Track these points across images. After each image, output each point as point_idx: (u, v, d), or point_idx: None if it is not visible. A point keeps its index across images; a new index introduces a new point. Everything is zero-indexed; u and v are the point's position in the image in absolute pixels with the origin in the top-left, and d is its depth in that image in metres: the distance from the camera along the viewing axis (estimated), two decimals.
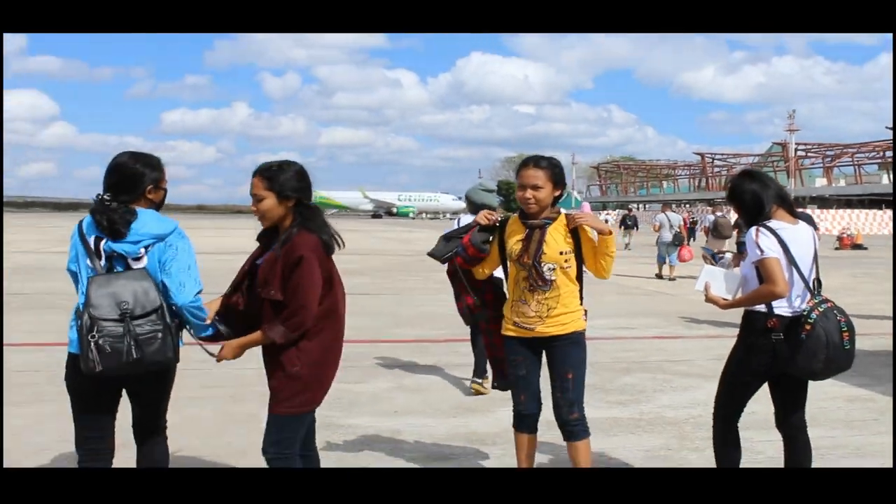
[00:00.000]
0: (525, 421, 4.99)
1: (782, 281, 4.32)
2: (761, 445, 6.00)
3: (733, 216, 24.44)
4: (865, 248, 40.21)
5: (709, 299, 4.64)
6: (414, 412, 7.16)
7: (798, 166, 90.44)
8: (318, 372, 4.15)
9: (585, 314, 4.90)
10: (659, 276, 21.62)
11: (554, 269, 4.75)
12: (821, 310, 4.34)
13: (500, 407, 7.13)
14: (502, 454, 5.96)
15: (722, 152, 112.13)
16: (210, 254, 26.83)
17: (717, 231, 21.58)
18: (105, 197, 4.04)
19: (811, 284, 4.50)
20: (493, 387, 5.65)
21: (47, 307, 13.25)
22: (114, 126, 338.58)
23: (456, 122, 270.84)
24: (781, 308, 4.44)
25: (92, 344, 3.77)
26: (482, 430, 6.66)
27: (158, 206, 4.25)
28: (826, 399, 7.40)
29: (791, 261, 4.42)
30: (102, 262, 3.97)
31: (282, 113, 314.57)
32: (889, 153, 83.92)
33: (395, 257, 29.05)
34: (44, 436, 6.21)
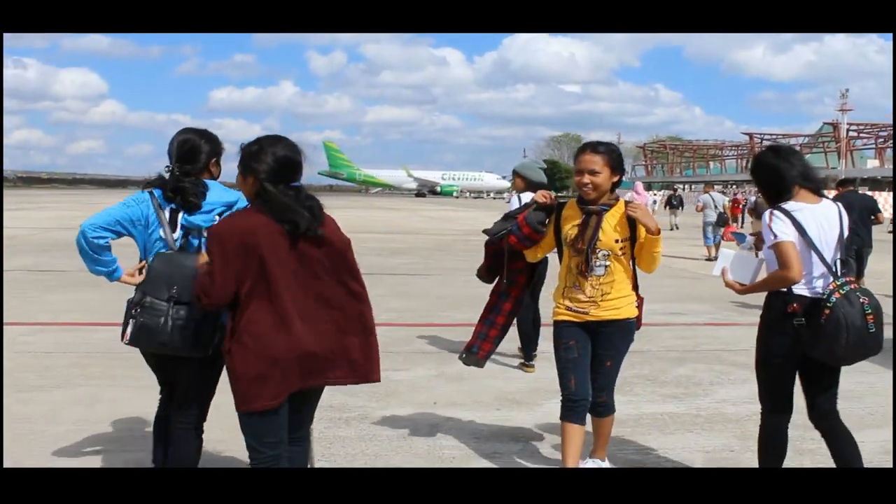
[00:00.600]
0: (575, 408, 4.77)
1: (797, 265, 4.15)
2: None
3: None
4: None
5: (727, 284, 4.49)
6: (455, 404, 6.75)
7: (850, 147, 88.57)
8: (249, 366, 3.61)
9: (642, 302, 4.89)
10: (708, 259, 21.09)
11: (608, 255, 4.67)
12: (842, 292, 4.15)
13: (547, 399, 6.70)
14: (551, 453, 5.52)
15: (771, 132, 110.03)
16: None
17: (756, 211, 21.00)
18: (175, 169, 4.13)
19: (834, 266, 4.29)
20: (460, 357, 5.57)
21: (82, 284, 13.01)
22: (162, 104, 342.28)
23: (501, 100, 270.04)
24: (801, 291, 4.27)
25: (131, 318, 3.95)
26: (528, 424, 6.24)
27: (215, 179, 4.33)
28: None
29: (809, 243, 4.23)
30: (178, 233, 4.09)
31: (327, 91, 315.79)
32: None
33: (440, 236, 28.58)
34: (59, 425, 5.92)
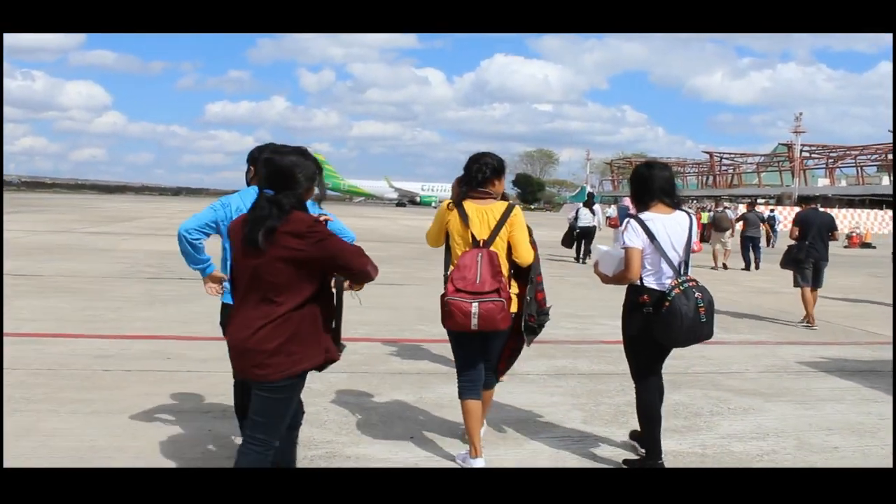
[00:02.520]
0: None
1: (636, 268, 4.83)
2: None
3: (732, 213, 24.78)
4: (874, 247, 38.38)
5: (596, 273, 5.13)
6: (433, 441, 5.63)
7: (803, 166, 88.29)
8: None
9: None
10: None
11: None
12: (681, 288, 4.76)
13: (536, 433, 5.64)
14: None
15: (729, 151, 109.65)
16: None
17: (716, 224, 23.11)
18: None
19: (680, 267, 4.88)
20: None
21: (54, 290, 11.83)
22: (161, 115, 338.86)
23: (478, 118, 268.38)
24: (652, 286, 4.89)
25: None
26: (516, 463, 5.15)
27: None
28: None
29: (658, 248, 4.83)
30: None
31: (316, 106, 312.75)
32: (890, 155, 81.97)
33: (419, 245, 27.48)
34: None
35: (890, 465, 5.28)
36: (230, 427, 5.59)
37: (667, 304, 4.73)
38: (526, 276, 5.08)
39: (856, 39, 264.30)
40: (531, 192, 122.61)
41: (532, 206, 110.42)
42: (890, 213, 63.38)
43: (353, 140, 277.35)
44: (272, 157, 3.63)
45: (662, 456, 5.11)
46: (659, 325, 4.81)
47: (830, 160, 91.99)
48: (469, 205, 4.97)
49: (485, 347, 5.07)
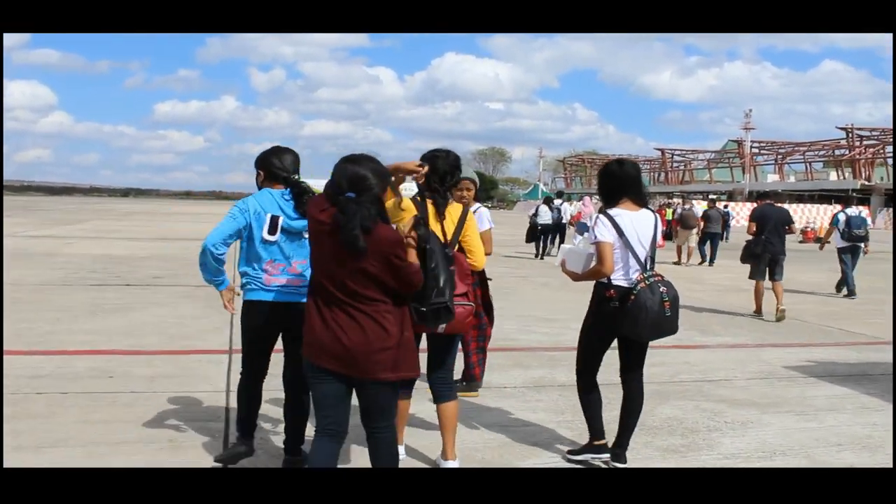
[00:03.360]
0: None
1: (608, 262, 4.82)
2: None
3: (699, 209, 24.92)
4: (828, 242, 38.50)
5: (564, 272, 5.16)
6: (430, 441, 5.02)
7: (753, 162, 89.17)
8: None
9: None
10: None
11: None
12: (647, 283, 4.80)
13: (527, 458, 5.07)
14: None
15: (680, 148, 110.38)
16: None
17: (683, 222, 23.04)
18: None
19: (644, 262, 4.89)
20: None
21: None
22: (109, 116, 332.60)
23: (430, 116, 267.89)
24: (619, 281, 4.88)
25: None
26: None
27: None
28: None
29: (626, 243, 4.85)
30: (277, 234, 4.68)
31: (267, 105, 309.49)
32: (838, 151, 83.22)
33: None
34: None
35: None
36: (182, 459, 4.93)
37: (632, 297, 4.77)
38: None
39: (800, 39, 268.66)
40: (484, 190, 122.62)
41: (488, 205, 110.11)
42: (837, 208, 64.29)
43: (304, 139, 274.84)
44: (347, 165, 3.85)
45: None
46: (625, 319, 4.81)
47: (779, 156, 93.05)
48: (430, 206, 4.71)
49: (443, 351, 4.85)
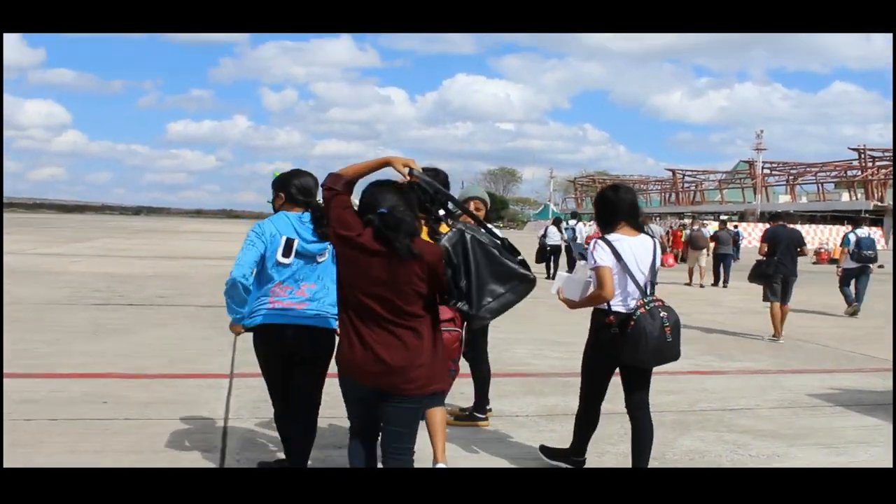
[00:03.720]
0: None
1: (609, 286, 4.72)
2: None
3: (708, 230, 24.85)
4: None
5: (562, 299, 5.07)
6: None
7: (764, 183, 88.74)
8: None
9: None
10: None
11: None
12: (647, 308, 4.72)
13: None
14: None
15: (691, 169, 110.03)
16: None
17: (693, 243, 22.80)
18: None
19: (644, 287, 4.82)
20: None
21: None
22: (122, 135, 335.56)
23: (441, 136, 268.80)
24: (618, 307, 4.82)
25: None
26: None
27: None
28: None
29: (625, 268, 4.78)
30: (292, 257, 4.57)
31: (279, 125, 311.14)
32: (850, 172, 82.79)
33: None
34: None
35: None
36: None
37: (632, 323, 4.71)
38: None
39: (810, 60, 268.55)
40: (495, 210, 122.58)
41: (499, 224, 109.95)
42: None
43: (315, 159, 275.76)
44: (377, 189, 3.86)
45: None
46: (626, 346, 4.75)
47: (791, 177, 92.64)
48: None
49: None
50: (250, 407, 6.63)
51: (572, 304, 5.00)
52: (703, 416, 6.90)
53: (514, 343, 9.93)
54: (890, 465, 5.47)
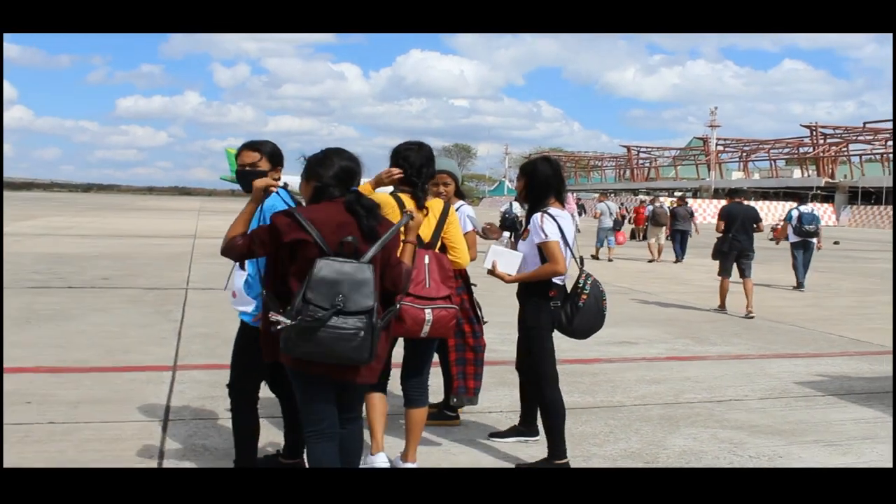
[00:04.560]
0: None
1: (562, 261, 4.77)
2: None
3: (667, 207, 24.79)
4: (785, 238, 38.04)
5: (496, 274, 4.87)
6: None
7: (718, 160, 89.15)
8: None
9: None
10: (595, 258, 21.49)
11: None
12: (589, 281, 4.84)
13: None
14: None
15: (646, 145, 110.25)
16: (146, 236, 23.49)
17: (654, 219, 23.20)
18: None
19: (578, 260, 4.95)
20: (451, 402, 5.57)
21: None
22: (70, 110, 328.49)
23: (395, 113, 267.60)
24: (557, 280, 4.84)
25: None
26: None
27: None
28: None
29: (565, 242, 4.82)
30: None
31: (231, 101, 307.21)
32: (802, 149, 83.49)
33: None
34: None
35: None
36: None
37: (584, 296, 4.78)
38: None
39: (761, 38, 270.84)
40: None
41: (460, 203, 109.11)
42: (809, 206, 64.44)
43: (268, 135, 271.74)
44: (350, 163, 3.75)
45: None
46: (574, 316, 4.78)
47: (744, 154, 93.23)
48: (407, 200, 4.41)
49: (420, 356, 4.68)
50: (194, 406, 5.92)
51: (510, 279, 4.86)
52: (691, 409, 6.34)
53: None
54: None
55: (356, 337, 3.41)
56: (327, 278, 3.40)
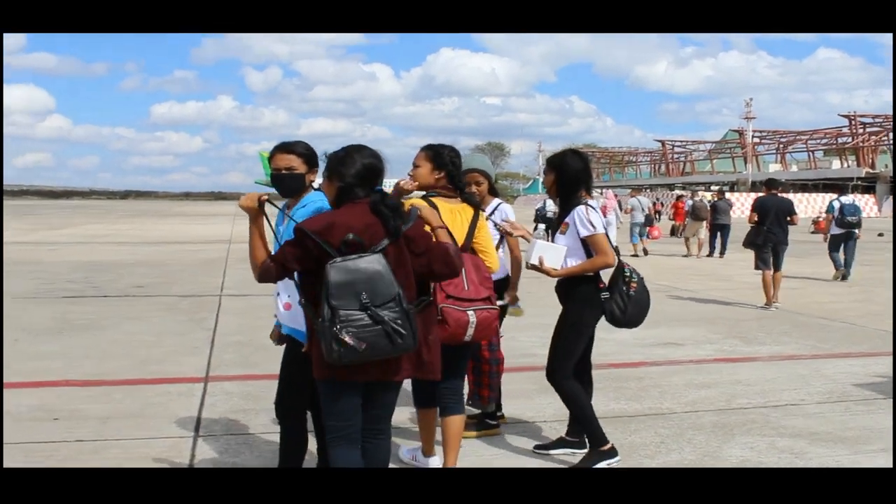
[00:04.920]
0: None
1: (612, 252, 4.71)
2: None
3: (706, 201, 24.34)
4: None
5: (542, 270, 4.72)
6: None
7: (754, 152, 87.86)
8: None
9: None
10: (635, 255, 20.75)
11: None
12: (632, 269, 4.81)
13: None
14: None
15: (680, 139, 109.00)
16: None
17: (694, 213, 22.62)
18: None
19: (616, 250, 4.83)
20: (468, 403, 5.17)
21: None
22: (106, 118, 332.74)
23: (427, 112, 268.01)
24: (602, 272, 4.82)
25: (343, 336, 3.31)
26: None
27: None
28: None
29: (605, 234, 4.73)
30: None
31: (264, 105, 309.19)
32: (840, 139, 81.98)
33: None
34: None
35: None
36: None
37: (634, 284, 4.75)
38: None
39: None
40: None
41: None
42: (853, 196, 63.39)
43: (302, 138, 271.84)
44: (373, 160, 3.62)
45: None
46: (632, 306, 4.75)
47: (781, 145, 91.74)
48: (441, 203, 4.41)
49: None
50: (226, 421, 5.71)
51: (556, 274, 4.74)
52: (745, 415, 6.00)
53: (517, 330, 8.94)
54: None
55: (394, 326, 3.32)
56: (341, 280, 3.30)
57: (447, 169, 4.51)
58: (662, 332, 9.33)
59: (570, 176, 4.82)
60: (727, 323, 10.36)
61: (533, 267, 4.74)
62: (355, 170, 3.54)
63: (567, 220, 4.77)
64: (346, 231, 3.40)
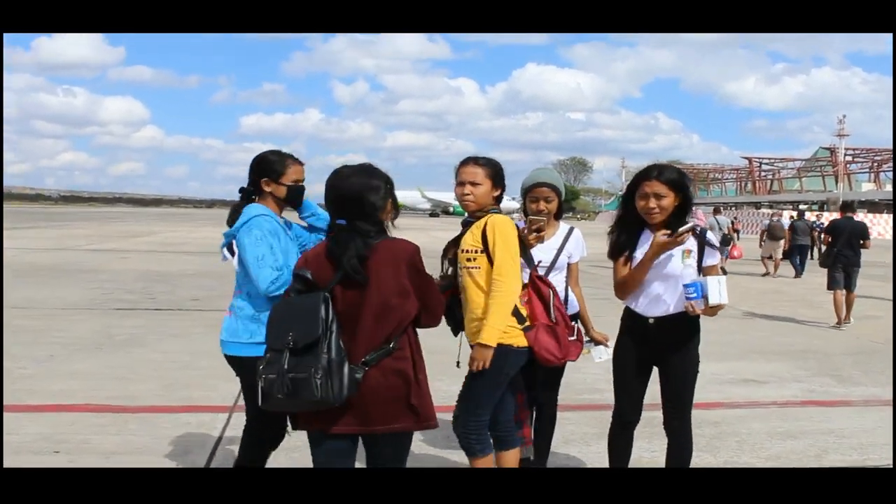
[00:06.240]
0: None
1: None
2: None
3: (785, 221, 23.15)
4: None
5: (714, 314, 4.06)
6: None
7: (846, 171, 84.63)
8: None
9: (536, 331, 4.04)
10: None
11: (461, 269, 4.05)
12: None
13: None
14: None
15: (768, 157, 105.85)
16: None
17: (771, 233, 22.16)
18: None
19: None
20: None
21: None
22: (197, 129, 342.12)
23: (511, 127, 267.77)
24: None
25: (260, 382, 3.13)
26: None
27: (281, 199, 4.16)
28: None
29: None
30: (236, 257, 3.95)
31: (350, 118, 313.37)
32: None
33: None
34: None
35: None
36: None
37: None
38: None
39: (889, 42, 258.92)
40: (566, 199, 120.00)
41: (572, 216, 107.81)
42: None
43: (386, 150, 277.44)
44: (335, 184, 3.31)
45: None
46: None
47: (875, 164, 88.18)
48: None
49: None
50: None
51: (712, 312, 4.04)
52: None
53: (582, 361, 8.13)
54: None
55: (313, 376, 2.99)
56: (275, 316, 3.13)
57: (503, 186, 4.14)
58: (744, 366, 8.42)
59: (690, 198, 4.12)
60: (817, 357, 9.34)
61: (714, 308, 3.98)
62: (328, 197, 3.33)
63: (689, 246, 4.06)
64: (304, 265, 3.20)
